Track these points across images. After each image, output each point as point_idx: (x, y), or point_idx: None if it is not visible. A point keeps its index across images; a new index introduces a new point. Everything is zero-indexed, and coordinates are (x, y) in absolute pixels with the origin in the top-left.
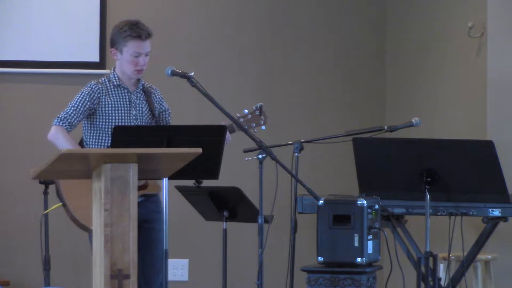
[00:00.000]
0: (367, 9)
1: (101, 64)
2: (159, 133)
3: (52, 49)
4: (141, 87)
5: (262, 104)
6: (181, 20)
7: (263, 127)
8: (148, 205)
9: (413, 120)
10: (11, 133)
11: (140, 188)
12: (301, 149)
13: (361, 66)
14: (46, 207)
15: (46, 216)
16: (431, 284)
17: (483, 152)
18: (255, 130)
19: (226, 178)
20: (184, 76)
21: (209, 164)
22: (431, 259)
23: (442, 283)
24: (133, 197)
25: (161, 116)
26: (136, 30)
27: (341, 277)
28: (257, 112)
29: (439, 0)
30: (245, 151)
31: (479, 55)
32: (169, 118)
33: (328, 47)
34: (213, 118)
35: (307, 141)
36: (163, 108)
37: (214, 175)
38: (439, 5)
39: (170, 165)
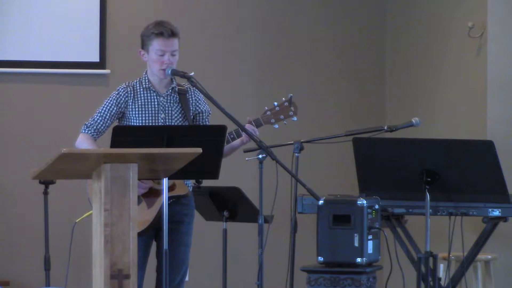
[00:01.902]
0: (367, 9)
1: (101, 64)
2: (159, 133)
3: (52, 49)
4: (170, 90)
5: (292, 95)
6: (181, 20)
7: (294, 118)
8: (176, 207)
9: (413, 120)
10: (11, 133)
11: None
12: (301, 149)
13: (361, 66)
14: (46, 207)
15: (46, 217)
16: (431, 284)
17: (483, 152)
18: (284, 122)
19: (226, 178)
20: (184, 75)
21: (209, 164)
22: (431, 259)
23: (442, 283)
24: (133, 197)
25: (197, 118)
26: (158, 28)
27: (341, 277)
28: (286, 103)
29: (439, 0)
30: (245, 151)
31: (479, 55)
32: (207, 120)
33: (328, 47)
34: (213, 118)
35: (307, 141)
36: (199, 110)
37: (214, 175)
38: (439, 5)
39: (170, 165)
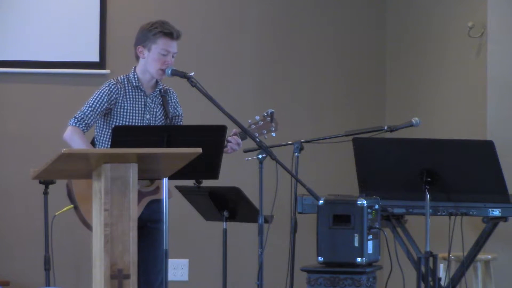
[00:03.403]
0: (367, 9)
1: (101, 64)
2: (159, 133)
3: (52, 49)
4: (157, 91)
5: (273, 110)
6: (181, 21)
7: (273, 134)
8: (154, 206)
9: (413, 120)
10: (11, 133)
11: (152, 193)
12: (301, 149)
13: (361, 66)
14: (46, 207)
15: (46, 217)
16: (431, 284)
17: (483, 152)
18: (265, 137)
19: (226, 178)
20: (184, 76)
21: (209, 164)
22: (431, 259)
23: (442, 283)
24: (133, 197)
25: (174, 121)
26: (167, 28)
27: (341, 277)
28: (268, 119)
29: (439, 0)
30: (245, 151)
31: (479, 55)
32: (181, 123)
33: (328, 47)
34: (213, 118)
35: (307, 141)
36: (177, 113)
37: (214, 175)
38: (439, 5)
39: (170, 165)
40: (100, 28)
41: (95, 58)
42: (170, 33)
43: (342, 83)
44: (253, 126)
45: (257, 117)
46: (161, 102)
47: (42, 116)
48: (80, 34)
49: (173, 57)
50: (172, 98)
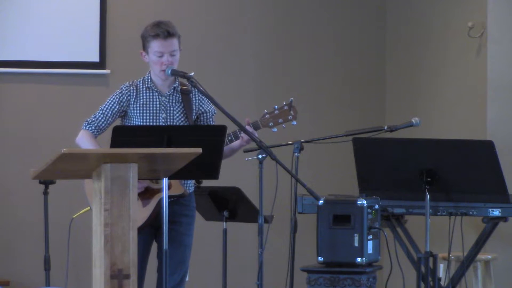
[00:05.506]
0: (367, 9)
1: (101, 64)
2: (159, 133)
3: (52, 49)
4: (173, 89)
5: (292, 98)
6: (182, 20)
7: (294, 122)
8: (175, 207)
9: (413, 120)
10: (11, 133)
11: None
12: (301, 149)
13: (361, 66)
14: (46, 207)
15: (46, 217)
16: (431, 284)
17: (483, 152)
18: (283, 126)
19: (226, 178)
20: (184, 76)
21: (209, 164)
22: (431, 259)
23: (442, 283)
24: (133, 197)
25: (201, 118)
26: (155, 30)
27: (341, 277)
28: (286, 107)
29: (439, 0)
30: (245, 151)
31: (479, 55)
32: (211, 119)
33: (328, 47)
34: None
35: (307, 141)
36: (202, 110)
37: (214, 175)
38: (439, 5)
39: (170, 165)
40: (100, 28)
41: (95, 58)
42: (157, 35)
43: (342, 83)
44: (267, 116)
45: (275, 106)
46: (180, 100)
47: (42, 116)
48: (80, 34)
49: (172, 55)
50: (196, 96)
